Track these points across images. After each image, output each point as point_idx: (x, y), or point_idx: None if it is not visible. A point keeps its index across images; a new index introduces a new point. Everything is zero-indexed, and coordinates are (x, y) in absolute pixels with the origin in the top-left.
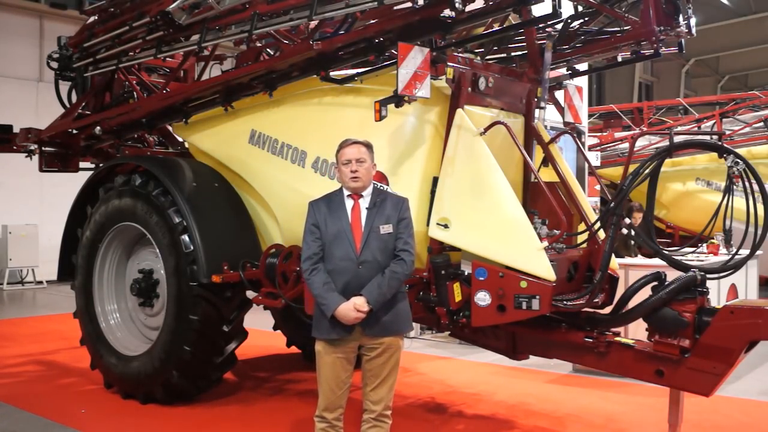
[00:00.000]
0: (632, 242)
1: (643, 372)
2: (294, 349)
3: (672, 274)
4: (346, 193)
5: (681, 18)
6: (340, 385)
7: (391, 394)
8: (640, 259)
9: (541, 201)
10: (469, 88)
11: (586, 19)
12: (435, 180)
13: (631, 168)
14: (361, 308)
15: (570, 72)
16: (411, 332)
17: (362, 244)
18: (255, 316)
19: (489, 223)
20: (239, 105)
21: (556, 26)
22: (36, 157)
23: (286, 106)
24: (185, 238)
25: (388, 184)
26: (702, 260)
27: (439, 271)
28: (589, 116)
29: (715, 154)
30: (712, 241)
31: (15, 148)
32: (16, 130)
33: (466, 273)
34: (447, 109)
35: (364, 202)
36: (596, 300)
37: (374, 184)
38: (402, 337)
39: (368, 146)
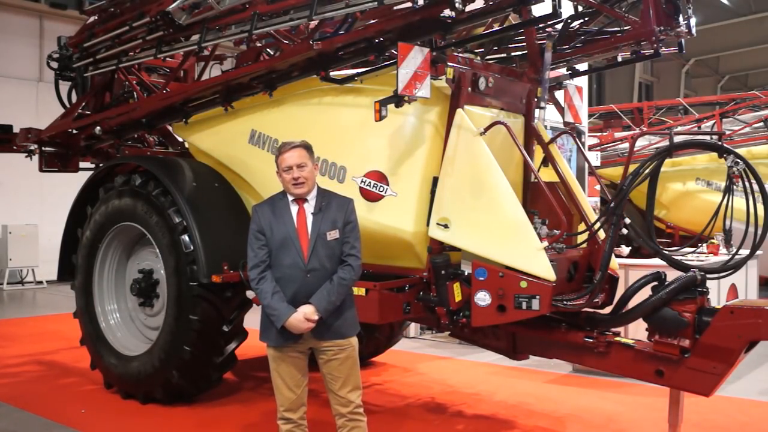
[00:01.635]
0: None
1: (643, 372)
2: None
3: (672, 274)
4: (290, 197)
5: (681, 18)
6: (299, 384)
7: (358, 392)
8: (640, 259)
9: (541, 201)
10: (469, 88)
11: (586, 19)
12: (435, 180)
13: (631, 168)
14: (310, 318)
15: (570, 72)
16: (409, 332)
17: (310, 252)
18: (255, 316)
19: (489, 223)
20: (239, 105)
21: (556, 26)
22: (36, 157)
23: (286, 106)
24: (185, 238)
25: (388, 184)
26: (702, 260)
27: (439, 271)
28: (589, 116)
29: (715, 154)
30: (712, 241)
31: (15, 148)
32: (16, 130)
33: (466, 273)
34: (447, 109)
35: (309, 207)
36: (596, 300)
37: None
38: (353, 336)
39: (307, 148)
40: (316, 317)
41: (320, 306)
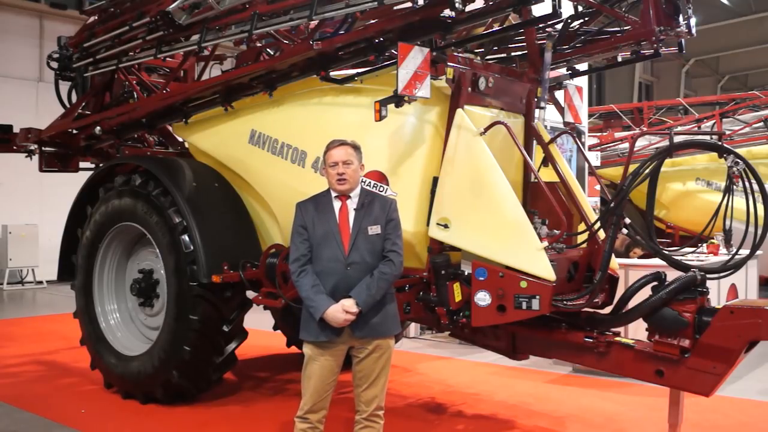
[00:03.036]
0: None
1: (643, 372)
2: (294, 349)
3: (672, 274)
4: (333, 194)
5: (681, 18)
6: (326, 388)
7: (384, 394)
8: (640, 259)
9: (541, 201)
10: (469, 88)
11: (586, 19)
12: (435, 180)
13: (631, 168)
14: (350, 310)
15: (570, 72)
16: (409, 332)
17: (350, 246)
18: (255, 316)
19: (489, 223)
20: (239, 105)
21: (556, 26)
22: (36, 157)
23: (286, 106)
24: (185, 238)
25: (388, 184)
26: (702, 260)
27: (439, 271)
28: (589, 116)
29: (715, 154)
30: (712, 241)
31: (15, 148)
32: (16, 130)
33: (466, 273)
34: (447, 109)
35: (352, 203)
36: (596, 300)
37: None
38: (392, 337)
39: (356, 147)
40: (355, 310)
41: (360, 299)
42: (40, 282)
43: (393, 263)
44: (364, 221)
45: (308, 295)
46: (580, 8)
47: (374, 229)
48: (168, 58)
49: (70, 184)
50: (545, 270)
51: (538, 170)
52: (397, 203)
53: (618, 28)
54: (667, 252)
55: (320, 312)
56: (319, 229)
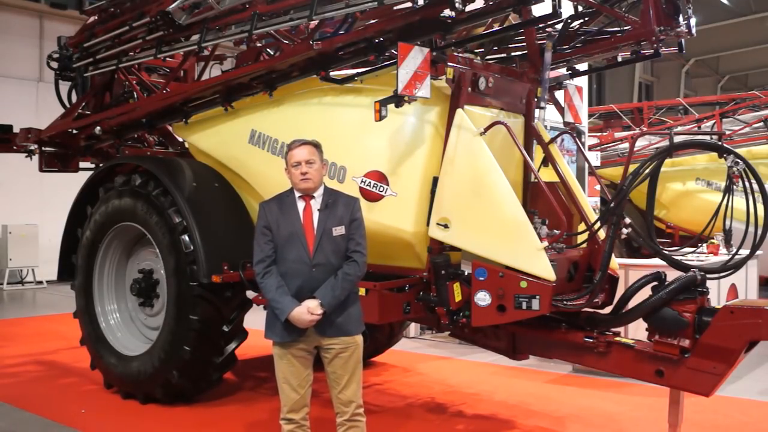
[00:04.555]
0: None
1: (643, 372)
2: None
3: (672, 274)
4: (297, 194)
5: (681, 18)
6: (303, 384)
7: (360, 392)
8: (640, 259)
9: (541, 201)
10: (469, 88)
11: (586, 19)
12: (435, 180)
13: (631, 168)
14: (314, 311)
15: (570, 72)
16: (409, 332)
17: (315, 247)
18: (255, 316)
19: (489, 223)
20: (239, 105)
21: (556, 26)
22: (36, 157)
23: (286, 106)
24: (185, 238)
25: (388, 184)
26: (702, 260)
27: (439, 271)
28: (589, 116)
29: (715, 154)
30: (712, 241)
31: (15, 148)
32: (16, 130)
33: (466, 273)
34: (447, 109)
35: (316, 204)
36: (596, 300)
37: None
38: (359, 336)
39: (317, 146)
40: (320, 311)
41: (324, 300)
42: (40, 282)
43: (357, 264)
44: (328, 222)
45: (273, 297)
46: (580, 8)
47: (338, 230)
48: (168, 58)
49: (70, 184)
50: (545, 270)
51: (538, 170)
52: (395, 203)
53: (618, 28)
54: (667, 252)
55: (286, 313)
56: (283, 230)
